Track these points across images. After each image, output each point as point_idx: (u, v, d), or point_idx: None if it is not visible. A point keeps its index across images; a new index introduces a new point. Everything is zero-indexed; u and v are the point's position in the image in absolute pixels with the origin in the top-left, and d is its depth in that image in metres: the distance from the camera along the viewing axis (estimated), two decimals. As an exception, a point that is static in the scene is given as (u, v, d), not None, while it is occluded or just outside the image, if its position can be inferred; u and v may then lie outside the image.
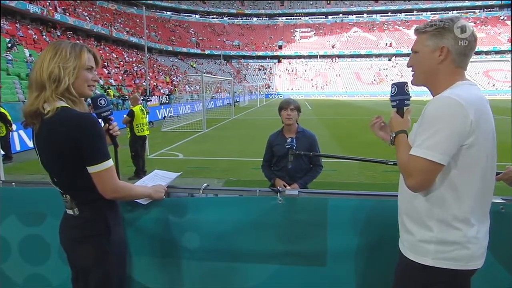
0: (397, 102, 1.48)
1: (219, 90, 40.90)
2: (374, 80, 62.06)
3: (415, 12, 74.29)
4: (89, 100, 1.72)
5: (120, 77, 31.38)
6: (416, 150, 1.26)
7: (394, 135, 1.43)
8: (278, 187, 1.89)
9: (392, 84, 1.51)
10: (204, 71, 48.51)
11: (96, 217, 1.56)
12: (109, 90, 24.32)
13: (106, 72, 29.77)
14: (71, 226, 1.57)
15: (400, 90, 1.48)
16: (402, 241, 1.45)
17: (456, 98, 1.22)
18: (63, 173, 1.51)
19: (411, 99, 1.50)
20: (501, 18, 67.41)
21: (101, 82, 26.12)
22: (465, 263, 1.30)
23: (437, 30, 1.33)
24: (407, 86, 1.49)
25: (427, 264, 1.31)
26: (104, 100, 1.69)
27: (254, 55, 71.07)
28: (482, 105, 1.28)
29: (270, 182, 3.24)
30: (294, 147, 2.70)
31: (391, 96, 1.50)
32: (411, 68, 1.45)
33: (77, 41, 1.68)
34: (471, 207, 1.29)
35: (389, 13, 76.39)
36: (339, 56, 70.85)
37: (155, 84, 34.17)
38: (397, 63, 65.76)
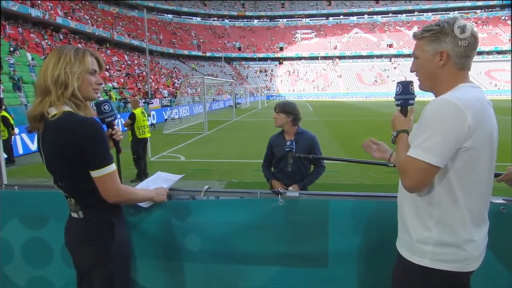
0: (401, 101, 1.48)
1: (221, 92, 40.91)
2: (376, 81, 61.98)
3: (416, 13, 74.25)
4: (92, 104, 1.74)
5: (122, 80, 31.47)
6: (413, 151, 1.26)
7: (395, 134, 1.43)
8: (279, 189, 1.90)
9: (397, 83, 1.51)
10: (206, 73, 48.54)
11: (100, 220, 1.57)
12: (111, 93, 24.39)
13: (108, 75, 29.86)
14: (76, 229, 1.59)
15: (404, 89, 1.47)
16: (400, 240, 1.45)
17: (455, 100, 1.22)
18: (67, 177, 1.52)
19: (416, 99, 1.49)
20: (502, 18, 67.26)
21: (103, 85, 26.15)
22: (461, 265, 1.30)
23: (435, 35, 1.32)
24: (412, 85, 1.48)
25: (425, 265, 1.32)
26: (108, 105, 1.71)
27: (255, 57, 71.14)
28: (483, 107, 1.27)
29: (267, 182, 3.28)
30: (294, 150, 2.69)
31: (395, 94, 1.50)
32: (415, 73, 1.44)
33: (79, 46, 1.70)
34: (469, 210, 1.30)
35: (390, 14, 76.37)
36: (340, 57, 70.82)
37: (156, 86, 34.24)
38: (398, 64, 65.66)
